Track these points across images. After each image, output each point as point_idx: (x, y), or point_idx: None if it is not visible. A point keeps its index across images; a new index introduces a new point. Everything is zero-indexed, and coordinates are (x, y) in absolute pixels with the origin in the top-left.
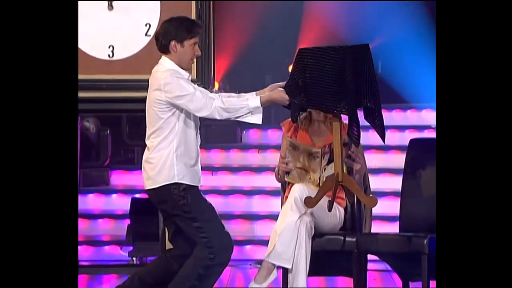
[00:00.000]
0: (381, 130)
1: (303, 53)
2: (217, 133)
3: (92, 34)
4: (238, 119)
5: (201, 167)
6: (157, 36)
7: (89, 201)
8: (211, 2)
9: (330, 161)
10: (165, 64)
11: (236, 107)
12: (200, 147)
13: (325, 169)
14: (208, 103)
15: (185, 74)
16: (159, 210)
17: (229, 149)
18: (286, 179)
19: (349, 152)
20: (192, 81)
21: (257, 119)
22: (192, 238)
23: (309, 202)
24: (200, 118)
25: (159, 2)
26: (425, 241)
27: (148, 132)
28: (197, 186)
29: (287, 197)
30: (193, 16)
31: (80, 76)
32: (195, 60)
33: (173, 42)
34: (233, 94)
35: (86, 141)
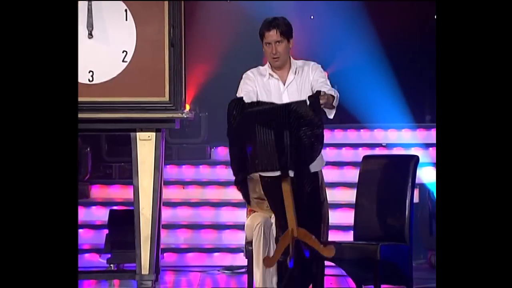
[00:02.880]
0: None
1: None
2: (188, 151)
3: None
4: None
5: (173, 182)
6: None
7: None
8: (183, 30)
9: None
10: None
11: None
12: (173, 163)
13: None
14: None
15: (264, 71)
16: None
17: (199, 165)
18: (249, 206)
19: None
20: (165, 103)
21: None
22: None
23: (269, 261)
24: None
25: (135, 31)
26: (377, 249)
27: None
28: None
29: (250, 210)
30: (166, 45)
31: None
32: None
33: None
34: None
35: None
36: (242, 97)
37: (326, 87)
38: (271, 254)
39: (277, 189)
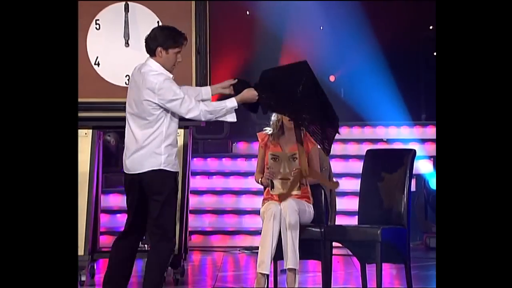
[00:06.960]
0: (323, 142)
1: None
2: (212, 145)
3: (113, 65)
4: (218, 119)
5: (199, 173)
6: (146, 40)
7: (110, 199)
8: (208, 38)
9: None
10: (153, 66)
11: (217, 109)
12: (199, 156)
13: None
14: (196, 106)
15: (171, 76)
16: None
17: (222, 157)
18: (271, 192)
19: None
20: None
21: (232, 117)
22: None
23: (282, 196)
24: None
25: None
26: (379, 231)
27: (137, 124)
28: (177, 172)
29: (265, 199)
30: (193, 52)
31: (103, 99)
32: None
33: (159, 48)
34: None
35: (107, 151)
36: None
37: None
38: (275, 238)
39: None
